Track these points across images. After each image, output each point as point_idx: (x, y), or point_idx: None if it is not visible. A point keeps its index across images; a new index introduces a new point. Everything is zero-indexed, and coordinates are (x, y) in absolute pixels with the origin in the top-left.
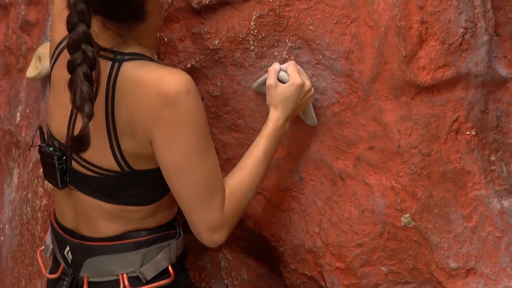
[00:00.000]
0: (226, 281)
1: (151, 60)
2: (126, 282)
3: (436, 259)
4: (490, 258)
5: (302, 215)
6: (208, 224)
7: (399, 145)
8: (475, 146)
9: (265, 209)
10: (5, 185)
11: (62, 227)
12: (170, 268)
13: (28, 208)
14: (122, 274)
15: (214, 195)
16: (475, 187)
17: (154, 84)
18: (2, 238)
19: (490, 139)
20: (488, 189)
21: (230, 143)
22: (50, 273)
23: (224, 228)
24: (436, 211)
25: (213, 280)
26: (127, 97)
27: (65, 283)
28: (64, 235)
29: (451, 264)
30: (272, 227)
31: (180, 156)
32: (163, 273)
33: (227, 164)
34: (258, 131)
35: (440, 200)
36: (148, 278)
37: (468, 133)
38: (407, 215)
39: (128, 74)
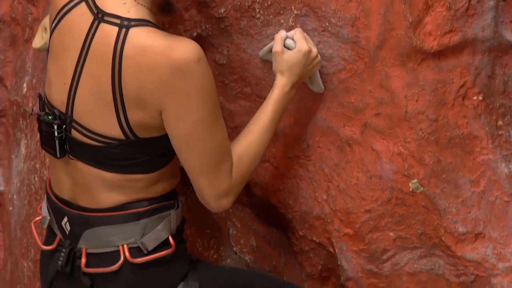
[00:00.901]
0: (234, 249)
1: (158, 27)
2: (127, 253)
3: (445, 224)
4: (498, 222)
5: (310, 182)
6: (216, 191)
7: (406, 111)
8: (482, 111)
9: (272, 177)
10: (13, 156)
11: (59, 198)
12: (170, 238)
13: (36, 178)
14: (123, 245)
15: (222, 163)
16: (482, 152)
17: (163, 53)
18: (10, 208)
19: (497, 104)
20: (496, 154)
21: (237, 111)
22: (45, 244)
23: (231, 194)
24: (443, 176)
25: (221, 248)
26: (135, 66)
27: (62, 254)
28: (61, 206)
29: (460, 229)
30: (279, 194)
31: (191, 126)
32: (164, 244)
33: (234, 132)
34: (265, 98)
35: (448, 166)
36: (150, 248)
37: (475, 98)
38: (415, 180)
39: (136, 40)
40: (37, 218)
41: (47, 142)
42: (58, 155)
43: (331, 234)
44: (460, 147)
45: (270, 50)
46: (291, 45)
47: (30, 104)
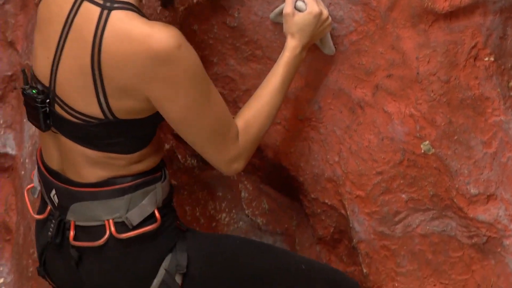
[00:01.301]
0: (246, 211)
1: (140, 13)
2: (113, 228)
3: (456, 186)
4: (510, 184)
5: (322, 144)
6: (226, 158)
7: (417, 73)
8: (494, 72)
9: (284, 139)
10: (24, 120)
11: (48, 169)
12: (156, 212)
13: None
14: (108, 220)
15: (226, 133)
16: (494, 113)
17: (143, 42)
18: (23, 172)
19: (509, 65)
20: (507, 115)
21: (248, 74)
22: (38, 213)
23: (241, 158)
24: (455, 137)
25: (233, 211)
26: (115, 53)
27: (52, 225)
28: (50, 178)
29: (472, 190)
30: (291, 157)
31: (183, 109)
32: (149, 218)
33: (246, 94)
34: (275, 61)
35: (460, 127)
36: (134, 223)
37: (486, 59)
38: (427, 142)
39: (117, 25)
40: (29, 186)
41: (32, 115)
42: (43, 128)
43: (343, 196)
44: (472, 108)
45: (281, 12)
46: (301, 7)
47: None
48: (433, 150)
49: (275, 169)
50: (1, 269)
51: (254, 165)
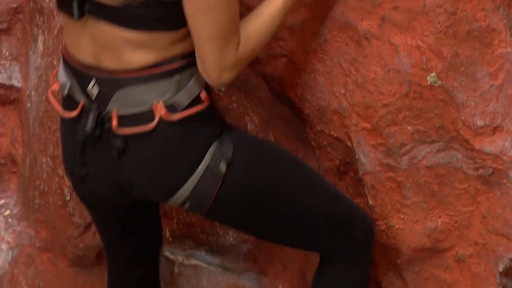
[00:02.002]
0: None
1: None
2: (163, 111)
3: (463, 117)
4: None
5: (328, 76)
6: (222, 63)
7: (424, 4)
8: (501, 4)
9: (290, 71)
10: (30, 52)
11: (80, 63)
12: (203, 93)
13: None
14: (158, 103)
15: (232, 36)
16: (501, 45)
17: None
18: (28, 105)
19: None
20: None
21: None
22: (67, 112)
23: (234, 69)
24: (462, 69)
25: None
26: None
27: (89, 120)
28: (85, 71)
29: (478, 122)
30: (297, 89)
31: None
32: (197, 100)
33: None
34: None
35: (466, 59)
36: (183, 105)
37: None
38: (433, 74)
39: None
40: (54, 87)
41: (63, 2)
42: (76, 15)
43: (349, 128)
44: (479, 40)
45: None
46: None
47: (47, 0)
48: (440, 82)
49: (281, 102)
50: (8, 201)
51: (260, 98)
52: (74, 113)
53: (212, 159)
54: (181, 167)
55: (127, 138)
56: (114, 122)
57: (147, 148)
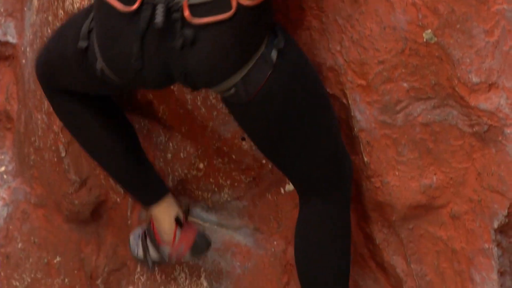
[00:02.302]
0: None
1: None
2: None
3: (458, 74)
4: None
5: (323, 33)
6: None
7: None
8: None
9: (285, 28)
10: (25, 8)
11: None
12: None
13: (48, 30)
14: None
15: None
16: (497, 1)
17: None
18: (23, 61)
19: None
20: (510, 3)
21: None
22: (126, 5)
23: None
24: (458, 26)
25: None
26: None
27: (158, 12)
28: None
29: (473, 79)
30: None
31: None
32: None
33: None
34: None
35: (462, 15)
36: None
37: None
38: (429, 31)
39: None
40: None
41: None
42: None
43: (345, 85)
44: None
45: None
46: None
47: None
48: (435, 39)
49: None
50: (2, 157)
51: None
52: (134, 7)
53: (267, 47)
54: (243, 52)
55: (198, 27)
56: (186, 12)
57: (218, 36)
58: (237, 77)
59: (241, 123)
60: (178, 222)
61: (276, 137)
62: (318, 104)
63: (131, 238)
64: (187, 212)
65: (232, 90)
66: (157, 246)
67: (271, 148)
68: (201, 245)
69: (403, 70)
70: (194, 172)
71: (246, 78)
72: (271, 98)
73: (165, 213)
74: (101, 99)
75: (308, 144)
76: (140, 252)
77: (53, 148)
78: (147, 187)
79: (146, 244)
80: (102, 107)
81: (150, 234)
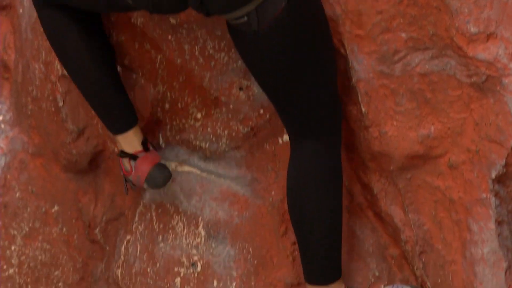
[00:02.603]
0: None
1: None
2: None
3: (456, 25)
4: (511, 23)
5: None
6: None
7: None
8: None
9: None
10: None
11: None
12: None
13: None
14: None
15: None
16: None
17: None
18: (21, 10)
19: None
20: None
21: None
22: None
23: None
24: None
25: (232, 50)
26: None
27: None
28: None
29: (471, 29)
30: None
31: None
32: None
33: None
34: None
35: None
36: None
37: None
38: None
39: None
40: None
41: None
42: None
43: (343, 35)
44: None
45: None
46: None
47: None
48: None
49: None
50: (0, 107)
51: None
52: None
53: None
54: None
55: None
56: None
57: None
58: (252, 6)
59: (244, 55)
60: (124, 155)
61: (278, 72)
62: (324, 46)
63: None
64: (145, 143)
65: (244, 18)
66: (123, 174)
67: (272, 83)
68: (156, 178)
69: (401, 20)
70: (192, 122)
71: (260, 8)
72: (280, 31)
73: (127, 144)
74: (92, 19)
75: (308, 82)
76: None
77: (50, 98)
78: (116, 116)
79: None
80: (90, 27)
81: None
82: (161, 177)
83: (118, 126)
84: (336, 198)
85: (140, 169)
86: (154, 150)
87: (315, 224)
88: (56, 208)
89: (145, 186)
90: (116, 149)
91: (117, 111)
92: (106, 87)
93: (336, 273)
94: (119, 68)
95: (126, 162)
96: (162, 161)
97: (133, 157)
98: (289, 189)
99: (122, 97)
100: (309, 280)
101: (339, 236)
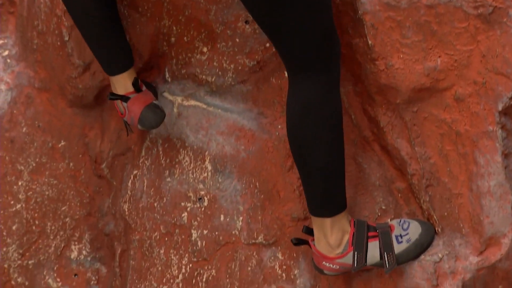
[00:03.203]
0: None
1: None
2: None
3: None
4: None
5: None
6: None
7: None
8: None
9: None
10: None
11: None
12: None
13: None
14: None
15: None
16: None
17: None
18: None
19: None
20: None
21: None
22: None
23: None
24: None
25: None
26: None
27: None
28: None
29: None
30: None
31: None
32: None
33: None
34: None
35: None
36: None
37: None
38: None
39: None
40: None
41: None
42: None
43: None
44: None
45: None
46: None
47: None
48: None
49: None
50: (6, 41)
51: None
52: None
53: None
54: None
55: None
56: None
57: None
58: None
59: None
60: (114, 97)
61: (275, 7)
62: None
63: None
64: (136, 84)
65: None
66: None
67: (263, 17)
68: (149, 118)
69: None
70: (198, 56)
71: None
72: None
73: (120, 86)
74: None
75: (300, 15)
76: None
77: (56, 32)
78: (113, 57)
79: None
80: None
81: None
82: (154, 117)
83: (114, 68)
84: (334, 131)
85: (133, 110)
86: (147, 90)
87: (313, 156)
88: (62, 143)
89: (139, 126)
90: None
91: (114, 53)
92: (104, 28)
93: (339, 206)
94: (120, 7)
95: (119, 104)
96: (156, 102)
97: (124, 98)
98: (287, 123)
99: (120, 39)
100: (313, 213)
101: (340, 168)
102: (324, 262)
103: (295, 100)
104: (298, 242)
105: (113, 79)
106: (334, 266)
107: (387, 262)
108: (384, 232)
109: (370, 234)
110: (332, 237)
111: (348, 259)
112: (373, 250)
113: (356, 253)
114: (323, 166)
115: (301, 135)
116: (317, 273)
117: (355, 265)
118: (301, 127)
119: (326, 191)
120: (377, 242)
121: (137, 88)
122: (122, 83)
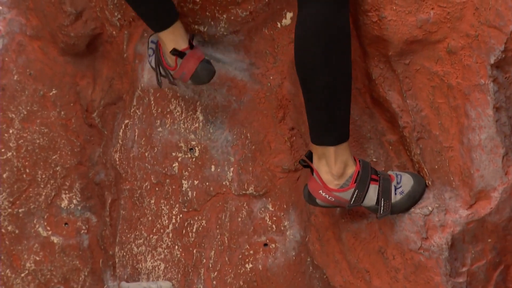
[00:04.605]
0: None
1: None
2: None
3: None
4: None
5: None
6: None
7: None
8: None
9: None
10: None
11: None
12: None
13: None
14: None
15: None
16: None
17: None
18: None
19: None
20: None
21: None
22: None
23: None
24: None
25: None
26: None
27: None
28: None
29: None
30: None
31: None
32: None
33: None
34: None
35: None
36: None
37: None
38: None
39: None
40: None
41: None
42: None
43: None
44: None
45: None
46: None
47: None
48: None
49: None
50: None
51: None
52: None
53: None
54: None
55: None
56: None
57: None
58: None
59: None
60: (176, 53)
61: None
62: None
63: (149, 39)
64: (192, 39)
65: None
66: (164, 68)
67: None
68: (203, 75)
69: None
70: (190, 5)
71: None
72: None
73: (171, 40)
74: None
75: None
76: (153, 63)
77: None
78: (161, 11)
79: (157, 62)
80: None
81: (157, 56)
82: (207, 74)
83: (162, 22)
84: (341, 51)
85: (187, 67)
86: (197, 45)
87: (319, 77)
88: (54, 91)
89: (189, 82)
90: (146, 36)
91: (159, 8)
92: None
93: (343, 134)
94: None
95: (169, 57)
96: (207, 57)
97: (181, 54)
98: (295, 46)
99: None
100: (316, 141)
101: (346, 91)
102: (320, 191)
103: (303, 21)
104: (306, 164)
105: (161, 35)
106: (329, 198)
107: (382, 209)
108: (385, 179)
109: (373, 176)
110: (335, 166)
111: (346, 195)
112: (372, 193)
113: (357, 191)
114: (329, 86)
115: (308, 56)
116: (307, 224)
117: (352, 202)
118: (308, 46)
119: (331, 116)
120: (377, 186)
121: (191, 44)
122: (171, 38)
